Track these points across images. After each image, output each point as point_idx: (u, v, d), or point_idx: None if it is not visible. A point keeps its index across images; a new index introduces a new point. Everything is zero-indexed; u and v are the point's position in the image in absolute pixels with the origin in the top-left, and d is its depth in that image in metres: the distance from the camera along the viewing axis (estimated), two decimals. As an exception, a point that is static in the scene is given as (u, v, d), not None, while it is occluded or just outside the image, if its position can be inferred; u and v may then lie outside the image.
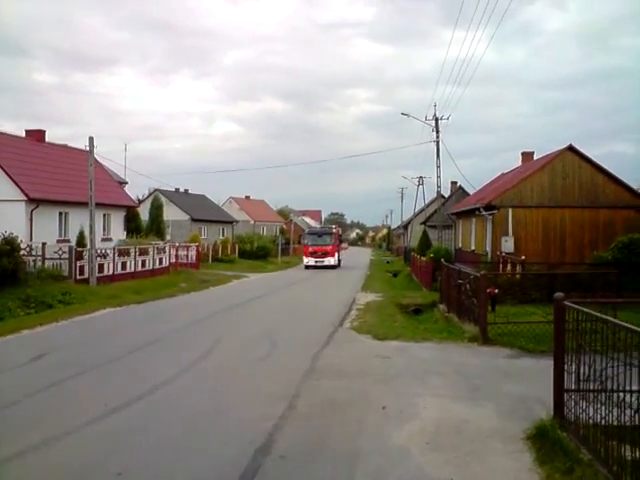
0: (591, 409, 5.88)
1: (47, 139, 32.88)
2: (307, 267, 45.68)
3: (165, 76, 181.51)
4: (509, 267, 23.76)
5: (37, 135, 31.88)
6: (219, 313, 17.92)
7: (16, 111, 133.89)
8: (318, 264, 44.96)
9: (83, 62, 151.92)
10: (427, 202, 61.49)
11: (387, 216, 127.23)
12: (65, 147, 33.63)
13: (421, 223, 55.31)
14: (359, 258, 69.49)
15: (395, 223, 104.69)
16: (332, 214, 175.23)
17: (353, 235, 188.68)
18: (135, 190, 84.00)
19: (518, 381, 9.39)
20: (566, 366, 6.61)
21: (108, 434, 6.68)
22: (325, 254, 45.87)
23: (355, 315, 17.72)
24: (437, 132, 36.07)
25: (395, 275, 43.83)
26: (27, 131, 32.16)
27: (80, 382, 9.01)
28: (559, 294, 6.88)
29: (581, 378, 6.33)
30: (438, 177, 37.56)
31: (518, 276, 20.74)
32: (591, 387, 6.07)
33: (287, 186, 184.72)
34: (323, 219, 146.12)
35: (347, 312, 18.35)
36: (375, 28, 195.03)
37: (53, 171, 29.56)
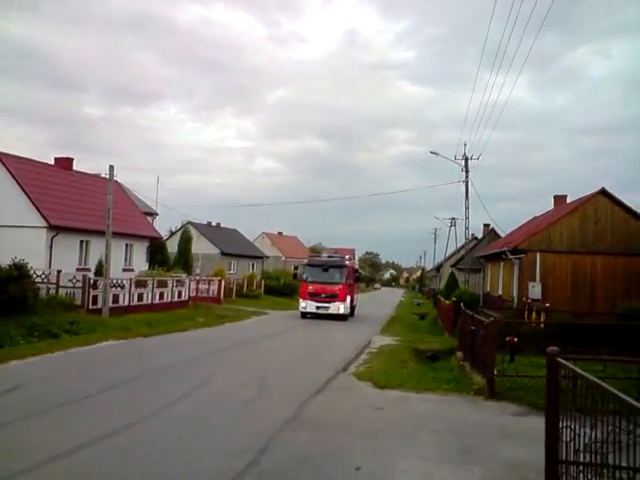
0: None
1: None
2: (304, 315, 31.94)
3: (209, 112, 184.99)
4: (534, 315, 22.65)
5: (65, 163, 32.12)
6: (221, 351, 17.29)
7: (66, 142, 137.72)
8: (320, 311, 31.17)
9: (131, 96, 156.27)
10: (460, 244, 60.42)
11: (421, 257, 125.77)
12: (93, 176, 33.79)
13: (451, 265, 54.13)
14: (387, 300, 68.01)
15: (429, 264, 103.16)
16: (367, 253, 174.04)
17: (387, 275, 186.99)
18: (170, 222, 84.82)
19: (518, 444, 8.44)
20: (562, 432, 5.74)
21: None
22: (332, 297, 31.35)
23: (363, 360, 16.87)
24: (466, 172, 35.26)
25: (422, 318, 42.74)
26: (56, 159, 32.47)
27: (35, 422, 8.36)
28: (552, 348, 6.04)
29: (578, 448, 5.46)
30: (467, 218, 36.63)
31: (542, 325, 19.67)
32: (591, 459, 5.20)
33: (322, 223, 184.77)
34: (357, 258, 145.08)
35: (356, 356, 17.50)
36: (416, 70, 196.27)
37: (77, 199, 29.66)
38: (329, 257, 34.89)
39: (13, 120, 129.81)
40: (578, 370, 5.29)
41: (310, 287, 31.80)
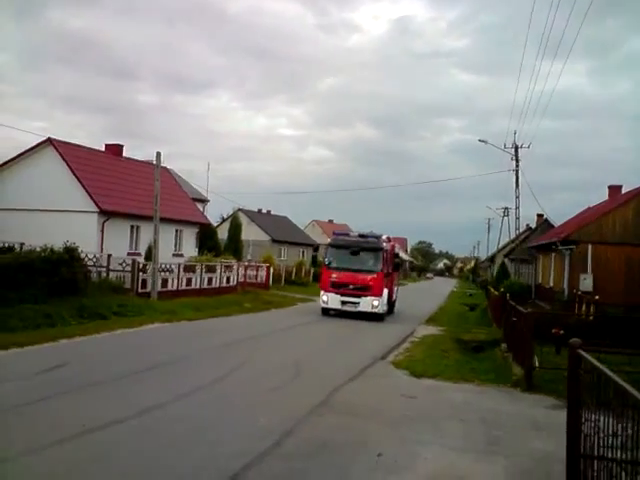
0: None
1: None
2: (326, 311, 24.87)
3: (260, 100, 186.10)
4: (584, 307, 22.05)
5: (115, 149, 32.96)
6: (263, 336, 17.50)
7: (121, 129, 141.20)
8: (347, 308, 24.20)
9: (183, 84, 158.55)
10: (513, 235, 59.16)
11: (475, 247, 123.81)
12: (143, 162, 34.50)
13: (504, 256, 53.16)
14: (438, 290, 67.11)
15: (483, 254, 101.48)
16: (419, 242, 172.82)
17: (440, 265, 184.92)
18: (221, 209, 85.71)
19: (549, 437, 8.25)
20: (584, 426, 5.60)
21: (72, 457, 6.27)
22: (363, 290, 24.09)
23: (404, 348, 16.78)
24: (517, 161, 34.52)
25: (472, 309, 42.05)
26: (107, 145, 33.34)
27: (74, 398, 8.72)
28: (575, 340, 5.89)
29: (602, 443, 5.31)
30: (517, 208, 36.00)
31: (591, 317, 19.14)
32: (613, 454, 5.06)
33: (373, 212, 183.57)
34: (409, 248, 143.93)
35: (397, 345, 17.43)
36: (468, 58, 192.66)
37: (128, 185, 30.42)
38: (360, 236, 25.77)
39: (72, 109, 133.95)
40: (596, 363, 5.13)
41: (334, 275, 24.49)
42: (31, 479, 5.79)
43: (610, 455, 5.03)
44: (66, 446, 6.59)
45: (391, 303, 27.46)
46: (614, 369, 5.11)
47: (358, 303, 24.05)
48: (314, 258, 28.57)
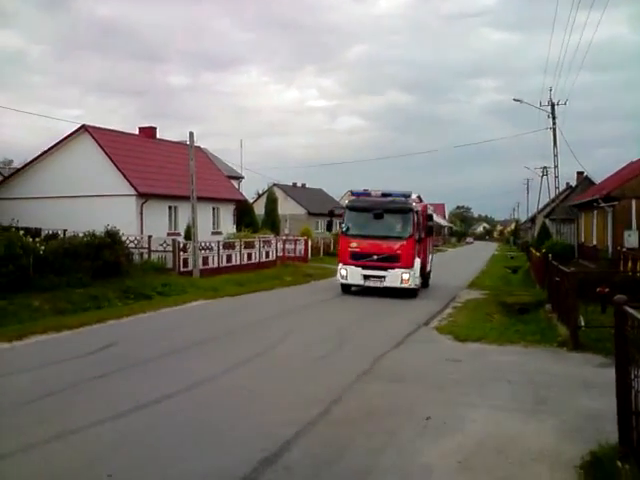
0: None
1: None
2: (346, 288, 21.22)
3: (290, 73, 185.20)
4: (630, 264, 21.58)
5: (149, 132, 33.37)
6: (304, 307, 17.64)
7: (153, 111, 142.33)
8: (370, 283, 20.50)
9: (212, 63, 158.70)
10: (553, 194, 58.04)
11: (514, 209, 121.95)
12: (177, 143, 34.75)
13: (544, 216, 52.27)
14: (479, 255, 66.45)
15: (523, 216, 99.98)
16: (457, 207, 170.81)
17: (480, 229, 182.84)
18: (256, 185, 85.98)
19: (598, 395, 8.17)
20: (634, 383, 5.53)
21: (128, 429, 6.51)
22: (390, 261, 20.24)
23: (447, 314, 16.76)
24: (553, 118, 33.70)
25: (515, 271, 41.58)
26: (140, 128, 33.73)
27: (125, 375, 9.01)
28: (620, 297, 5.79)
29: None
30: (556, 167, 35.29)
31: (638, 274, 18.73)
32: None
33: (408, 179, 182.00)
34: (447, 213, 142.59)
35: (440, 310, 17.40)
36: (500, 16, 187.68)
37: (163, 166, 30.76)
38: (384, 196, 21.26)
39: (105, 94, 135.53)
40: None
41: (353, 244, 20.64)
42: (97, 448, 6.03)
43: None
44: (122, 419, 6.84)
45: (425, 275, 23.55)
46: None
47: (384, 277, 20.15)
48: (329, 224, 23.76)
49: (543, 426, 6.89)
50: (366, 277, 20.46)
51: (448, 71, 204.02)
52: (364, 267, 20.39)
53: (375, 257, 20.28)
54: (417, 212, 21.29)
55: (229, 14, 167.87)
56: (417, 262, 20.86)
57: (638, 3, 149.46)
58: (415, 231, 20.66)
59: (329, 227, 24.47)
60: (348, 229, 21.02)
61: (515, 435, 6.59)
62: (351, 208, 21.48)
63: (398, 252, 20.19)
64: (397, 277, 20.10)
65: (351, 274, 20.60)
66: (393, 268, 20.14)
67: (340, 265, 21.16)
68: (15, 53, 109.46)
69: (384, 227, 20.56)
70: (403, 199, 21.13)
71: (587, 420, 7.11)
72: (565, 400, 8.00)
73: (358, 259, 20.49)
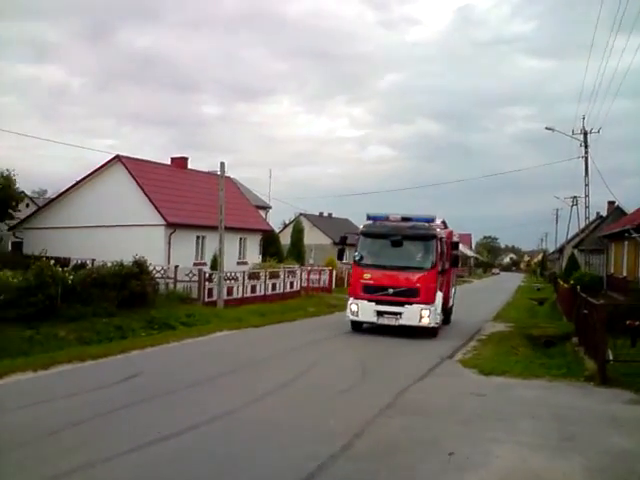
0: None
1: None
2: (356, 325, 18.83)
3: (320, 102, 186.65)
4: (660, 297, 21.14)
5: (180, 162, 34.05)
6: (327, 339, 17.50)
7: (185, 141, 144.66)
8: (384, 321, 17.94)
9: (244, 93, 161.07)
10: (583, 224, 57.33)
11: (542, 239, 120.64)
12: (207, 173, 35.22)
13: (573, 247, 51.58)
14: (505, 286, 65.60)
15: (551, 246, 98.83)
16: (485, 237, 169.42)
17: (507, 260, 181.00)
18: (284, 214, 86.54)
19: (628, 433, 8.04)
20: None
21: (144, 464, 6.51)
22: (408, 294, 17.70)
23: (472, 346, 16.54)
24: (586, 147, 33.41)
25: (541, 303, 40.99)
26: (172, 158, 34.42)
27: (148, 406, 9.02)
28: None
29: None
30: (586, 197, 34.91)
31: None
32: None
33: (436, 208, 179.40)
34: (474, 244, 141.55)
35: (464, 343, 17.17)
36: (535, 42, 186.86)
37: (193, 196, 31.21)
38: (404, 220, 18.89)
39: (138, 125, 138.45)
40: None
41: (367, 275, 18.21)
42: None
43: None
44: (144, 451, 6.84)
45: (447, 310, 21.14)
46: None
47: (400, 314, 17.63)
48: (340, 252, 21.33)
49: (570, 464, 6.74)
50: (380, 313, 17.87)
51: (479, 99, 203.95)
52: (378, 302, 17.86)
53: (391, 290, 17.68)
54: (441, 239, 18.98)
55: (264, 44, 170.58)
56: (439, 297, 18.39)
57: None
58: (438, 261, 18.27)
59: (340, 255, 21.43)
60: (362, 258, 18.59)
61: (541, 472, 6.46)
62: (366, 234, 19.01)
63: (417, 285, 17.69)
64: (415, 314, 17.55)
65: (363, 310, 18.05)
66: (411, 304, 17.55)
67: (351, 299, 18.53)
68: (55, 85, 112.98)
69: (402, 256, 18.14)
70: (425, 224, 18.69)
71: (616, 459, 6.96)
72: (593, 437, 7.83)
73: (371, 292, 17.95)
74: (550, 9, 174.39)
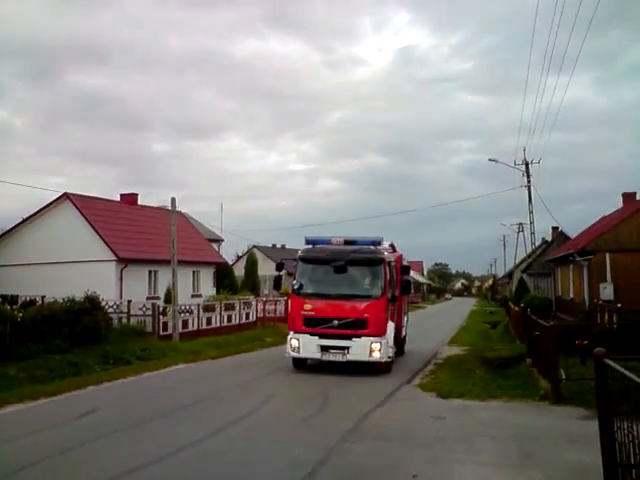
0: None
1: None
2: (298, 363, 16.78)
3: (270, 139, 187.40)
4: (606, 316, 21.91)
5: (130, 198, 33.84)
6: (286, 369, 17.38)
7: (135, 178, 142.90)
8: (330, 357, 15.93)
9: (194, 130, 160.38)
10: (529, 249, 59.00)
11: (491, 265, 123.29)
12: (158, 208, 35.04)
13: (522, 271, 52.92)
14: (458, 310, 66.63)
15: (500, 271, 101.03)
16: (435, 264, 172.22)
17: (458, 285, 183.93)
18: (236, 247, 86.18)
19: (584, 448, 8.17)
20: (618, 435, 5.58)
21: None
22: (356, 326, 15.64)
23: (429, 371, 16.75)
24: (528, 177, 34.72)
25: (494, 326, 41.74)
26: (122, 195, 34.13)
27: (108, 442, 8.82)
28: (599, 349, 5.93)
29: (637, 450, 5.30)
30: (531, 223, 36.20)
31: (615, 326, 19.02)
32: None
33: (387, 238, 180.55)
34: (426, 270, 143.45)
35: (422, 368, 17.37)
36: (474, 80, 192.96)
37: (144, 231, 31.00)
38: (347, 244, 16.97)
39: (86, 162, 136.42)
40: (623, 370, 5.18)
41: (308, 306, 16.14)
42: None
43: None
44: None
45: (400, 341, 19.37)
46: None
47: (348, 348, 15.63)
48: (276, 281, 18.84)
49: (530, 480, 6.91)
50: (324, 348, 15.83)
51: (425, 133, 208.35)
52: (321, 336, 15.81)
53: (336, 322, 15.62)
54: (389, 263, 17.04)
55: (212, 84, 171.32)
56: (390, 327, 16.46)
57: (601, 69, 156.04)
58: (388, 288, 16.29)
59: (277, 285, 19.01)
60: (301, 287, 16.51)
61: (502, 491, 6.59)
62: (305, 259, 16.88)
63: (365, 315, 15.73)
64: (365, 348, 15.58)
65: (304, 345, 15.99)
66: (359, 336, 15.58)
67: (290, 334, 16.42)
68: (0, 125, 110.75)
69: (347, 283, 16.31)
70: (372, 247, 16.88)
71: (573, 473, 7.16)
72: (550, 454, 8.03)
73: (314, 325, 15.89)
74: (485, 50, 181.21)
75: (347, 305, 15.95)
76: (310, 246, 17.28)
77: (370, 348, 15.58)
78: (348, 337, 15.63)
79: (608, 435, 5.64)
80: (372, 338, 15.59)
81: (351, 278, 16.41)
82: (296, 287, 16.56)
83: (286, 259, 18.38)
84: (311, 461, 7.64)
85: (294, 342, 16.18)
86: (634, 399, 5.06)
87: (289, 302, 17.98)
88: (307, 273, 16.81)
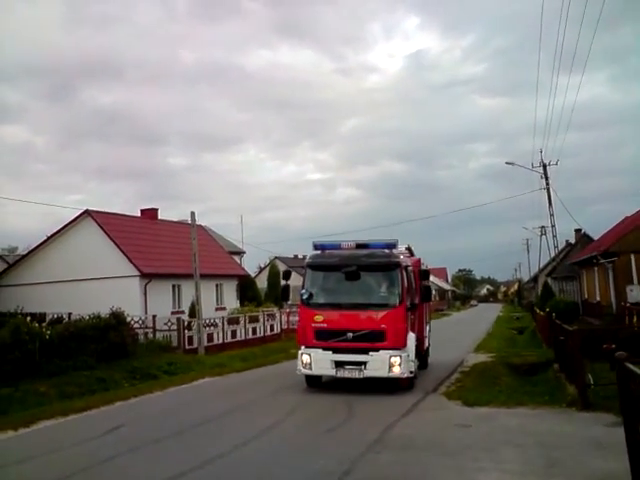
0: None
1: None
2: (312, 380, 15.27)
3: (287, 149, 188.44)
4: (635, 319, 21.58)
5: (150, 213, 34.29)
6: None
7: (154, 192, 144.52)
8: (345, 373, 14.26)
9: (210, 143, 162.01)
10: (553, 253, 58.33)
11: (516, 269, 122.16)
12: (178, 223, 35.48)
13: (546, 275, 52.35)
14: (483, 316, 66.04)
15: (525, 276, 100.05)
16: (459, 270, 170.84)
17: (483, 291, 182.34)
18: (258, 259, 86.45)
19: (612, 456, 8.10)
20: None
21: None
22: (373, 338, 13.98)
23: (455, 379, 16.63)
24: (546, 178, 34.40)
25: (521, 332, 41.29)
26: (142, 210, 34.59)
27: (136, 456, 8.97)
28: (621, 353, 5.91)
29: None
30: (553, 226, 35.75)
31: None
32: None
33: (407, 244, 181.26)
34: (450, 277, 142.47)
35: (448, 376, 17.26)
36: (487, 82, 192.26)
37: (165, 246, 31.40)
38: (359, 247, 15.45)
39: (106, 179, 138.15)
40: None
41: (319, 317, 14.59)
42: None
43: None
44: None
45: (423, 352, 17.93)
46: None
47: (365, 363, 14.11)
48: (284, 291, 16.65)
49: (556, 488, 6.86)
50: (338, 364, 14.33)
51: (441, 138, 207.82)
52: (335, 350, 14.38)
53: (350, 335, 14.14)
54: (407, 268, 15.40)
55: (226, 96, 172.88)
56: (411, 339, 14.81)
57: (616, 65, 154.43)
58: (406, 295, 14.61)
59: (284, 295, 16.91)
60: (310, 296, 14.98)
61: (528, 499, 6.56)
62: (313, 266, 15.35)
63: (383, 326, 14.11)
64: (383, 363, 13.98)
65: (317, 361, 14.49)
66: (377, 350, 14.04)
67: (301, 348, 14.93)
68: (19, 145, 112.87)
69: (361, 291, 14.79)
70: (386, 251, 15.20)
71: (600, 481, 7.07)
72: (577, 462, 7.96)
73: (326, 339, 14.44)
74: (497, 52, 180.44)
75: (362, 315, 14.43)
76: (318, 252, 15.78)
77: (389, 363, 14.01)
78: (364, 351, 14.14)
79: (634, 441, 5.59)
80: (391, 351, 14.04)
81: (365, 285, 14.91)
82: (305, 297, 15.00)
83: (292, 267, 17.04)
84: (336, 472, 7.69)
85: (305, 358, 14.71)
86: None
87: (299, 315, 16.14)
88: (316, 281, 15.32)
